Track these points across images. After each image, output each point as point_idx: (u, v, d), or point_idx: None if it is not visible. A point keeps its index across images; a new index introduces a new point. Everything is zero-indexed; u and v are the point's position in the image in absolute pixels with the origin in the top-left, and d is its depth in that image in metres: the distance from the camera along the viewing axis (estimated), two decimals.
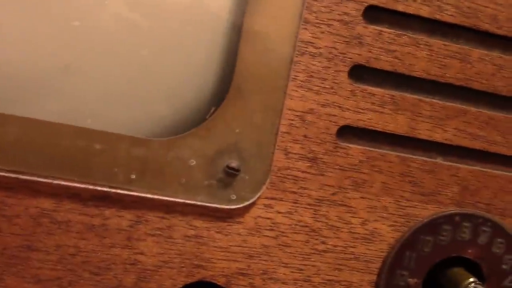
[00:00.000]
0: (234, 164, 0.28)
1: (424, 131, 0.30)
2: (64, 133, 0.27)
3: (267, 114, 0.28)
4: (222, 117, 0.28)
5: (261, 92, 0.28)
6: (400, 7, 0.28)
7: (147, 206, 0.28)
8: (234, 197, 0.28)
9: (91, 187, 0.27)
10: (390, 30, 0.29)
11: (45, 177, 0.27)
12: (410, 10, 0.29)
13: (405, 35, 0.29)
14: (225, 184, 0.28)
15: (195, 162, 0.28)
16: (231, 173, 0.28)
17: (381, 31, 0.29)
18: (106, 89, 0.28)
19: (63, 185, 0.27)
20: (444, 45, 0.29)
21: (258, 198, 0.29)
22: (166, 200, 0.28)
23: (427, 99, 0.30)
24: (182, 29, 0.28)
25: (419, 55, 0.29)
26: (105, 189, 0.28)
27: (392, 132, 0.30)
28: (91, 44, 0.28)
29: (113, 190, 0.28)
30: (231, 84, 0.28)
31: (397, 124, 0.30)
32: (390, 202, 0.30)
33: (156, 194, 0.28)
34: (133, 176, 0.27)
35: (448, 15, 0.29)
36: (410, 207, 0.31)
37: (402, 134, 0.30)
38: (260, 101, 0.28)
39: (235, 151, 0.28)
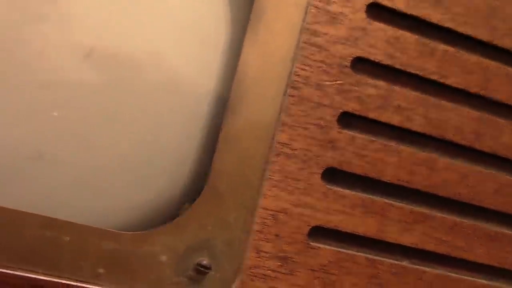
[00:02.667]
0: (205, 261, 0.28)
1: (392, 234, 0.31)
2: (31, 223, 0.26)
3: (240, 213, 0.29)
4: (196, 213, 0.28)
5: (236, 191, 0.29)
6: (373, 115, 0.30)
7: None
8: None
9: (55, 279, 0.27)
10: (362, 135, 0.30)
11: (8, 267, 0.26)
12: (382, 118, 0.31)
13: (377, 141, 0.31)
14: (194, 281, 0.28)
15: (165, 258, 0.28)
16: (202, 270, 0.28)
17: (354, 136, 0.30)
18: (79, 178, 0.28)
19: (26, 276, 0.27)
20: (412, 152, 0.31)
21: None
22: None
23: (396, 203, 0.31)
24: (159, 119, 0.29)
25: (389, 161, 0.31)
26: (70, 282, 0.27)
27: (361, 234, 0.31)
28: (67, 133, 0.28)
29: (79, 284, 0.27)
30: (207, 182, 0.28)
31: (366, 227, 0.31)
32: None
33: None
34: (101, 271, 0.27)
35: (417, 125, 0.31)
36: None
37: (371, 237, 0.31)
38: (234, 200, 0.29)
39: (207, 248, 0.29)
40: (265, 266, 0.30)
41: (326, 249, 0.31)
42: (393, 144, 0.31)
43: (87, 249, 0.27)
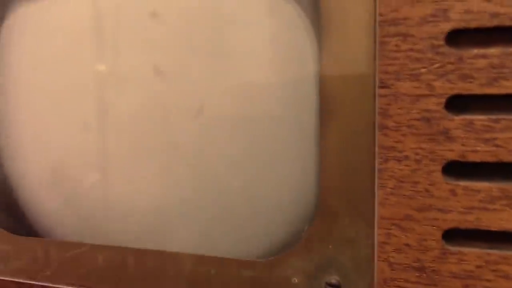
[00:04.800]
0: (333, 280, 0.29)
1: None
2: (187, 261, 0.32)
3: (359, 227, 0.28)
4: (315, 234, 0.29)
5: (349, 205, 0.28)
6: (489, 90, 0.26)
7: None
8: None
9: None
10: (482, 116, 0.26)
11: None
12: (503, 90, 0.26)
13: (504, 118, 0.26)
14: None
15: (297, 279, 0.30)
16: None
17: (472, 119, 0.26)
18: (218, 219, 0.32)
19: None
20: None
21: None
22: None
23: None
24: (276, 153, 0.31)
25: None
26: None
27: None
28: (207, 184, 0.33)
29: None
30: (319, 200, 0.29)
31: None
32: None
33: None
34: None
35: None
36: None
37: None
38: (350, 215, 0.28)
39: (334, 266, 0.29)
40: (401, 278, 0.28)
41: (470, 253, 0.27)
42: None
43: (230, 278, 0.31)
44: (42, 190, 0.37)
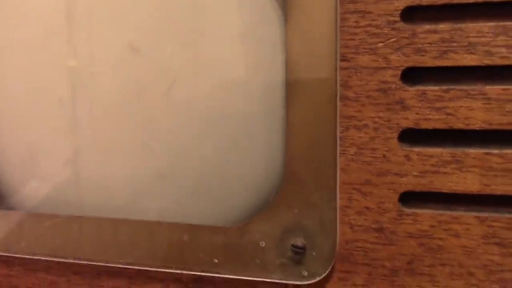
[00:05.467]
0: (299, 242, 0.31)
1: (500, 186, 0.28)
2: (160, 229, 0.34)
3: (323, 192, 0.30)
4: (281, 199, 0.31)
5: (313, 172, 0.30)
6: (440, 63, 0.28)
7: (235, 285, 0.33)
8: (305, 273, 0.31)
9: (186, 272, 0.33)
10: (434, 87, 0.28)
11: (151, 266, 0.34)
12: (452, 62, 0.28)
13: (454, 89, 0.28)
14: (295, 262, 0.31)
15: (264, 243, 0.32)
16: (298, 251, 0.31)
17: (425, 90, 0.29)
18: (191, 189, 0.34)
19: (167, 272, 0.34)
20: (503, 90, 0.27)
21: (333, 272, 0.31)
22: (249, 280, 0.32)
23: (495, 151, 0.28)
24: (244, 126, 0.33)
25: (475, 106, 0.28)
26: (199, 273, 0.33)
27: (462, 193, 0.29)
28: (179, 156, 0.34)
29: (206, 274, 0.33)
30: (285, 168, 0.31)
31: (466, 183, 0.28)
32: (476, 268, 0.29)
33: (239, 275, 0.32)
34: (216, 260, 0.33)
35: (499, 58, 0.27)
36: (504, 271, 0.28)
37: (476, 193, 0.28)
38: (314, 181, 0.30)
39: (300, 230, 0.31)
40: (362, 239, 0.30)
41: (424, 214, 0.29)
42: (474, 87, 0.28)
43: (203, 244, 0.33)
44: (18, 165, 0.38)
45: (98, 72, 0.36)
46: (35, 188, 0.38)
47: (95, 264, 0.35)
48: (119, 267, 0.35)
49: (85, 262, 0.36)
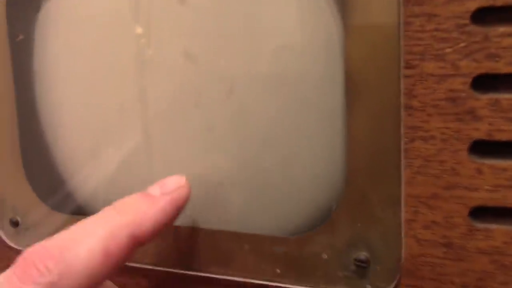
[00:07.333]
0: (362, 256, 0.30)
1: None
2: (222, 237, 0.34)
3: (386, 204, 0.30)
4: (343, 212, 0.31)
5: (376, 184, 0.30)
6: None
7: None
8: (369, 287, 0.31)
9: (251, 281, 0.34)
10: (509, 95, 0.26)
11: (217, 274, 0.35)
12: None
13: None
14: (359, 275, 0.31)
15: (326, 255, 0.31)
16: (361, 265, 0.30)
17: (498, 99, 0.27)
18: (251, 197, 0.34)
19: (230, 279, 0.35)
20: None
21: (398, 286, 0.30)
22: None
23: None
24: (304, 132, 0.32)
25: None
26: (262, 282, 0.34)
27: None
28: (241, 165, 0.34)
29: (269, 283, 0.33)
30: (346, 180, 0.30)
31: None
32: None
33: (302, 285, 0.32)
34: (278, 271, 0.33)
35: None
36: None
37: None
38: (377, 193, 0.30)
39: (363, 243, 0.31)
40: (429, 254, 0.29)
41: (497, 230, 0.28)
42: None
43: (264, 254, 0.33)
44: (83, 169, 0.40)
45: (158, 79, 0.36)
46: (101, 193, 0.40)
47: (158, 269, 0.37)
48: (182, 273, 0.36)
49: (150, 267, 0.37)
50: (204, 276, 0.36)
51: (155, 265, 0.37)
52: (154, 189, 0.31)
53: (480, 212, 0.28)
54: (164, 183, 0.32)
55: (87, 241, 0.27)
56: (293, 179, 0.33)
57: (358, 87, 0.29)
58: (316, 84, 0.32)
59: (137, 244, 0.29)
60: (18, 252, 0.28)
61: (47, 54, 0.40)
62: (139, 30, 0.36)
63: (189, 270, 0.36)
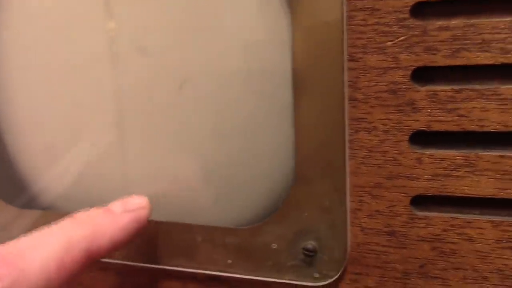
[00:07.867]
0: (309, 246, 0.31)
1: None
2: (175, 230, 0.34)
3: (333, 195, 0.30)
4: (292, 202, 0.31)
5: (323, 175, 0.30)
6: (452, 62, 0.27)
7: (249, 285, 0.34)
8: (317, 275, 0.31)
9: (202, 271, 0.34)
10: (445, 87, 0.27)
11: (168, 265, 0.35)
12: (464, 61, 0.27)
13: (466, 89, 0.27)
14: (307, 264, 0.32)
15: (276, 245, 0.32)
16: (309, 254, 0.31)
17: (436, 90, 0.28)
18: (204, 192, 0.35)
19: (183, 270, 0.35)
20: None
21: (344, 274, 0.31)
22: (263, 280, 0.33)
23: (511, 154, 0.27)
24: (255, 124, 0.33)
25: (489, 107, 0.27)
26: (214, 272, 0.34)
27: (476, 196, 0.28)
28: (192, 157, 0.35)
29: (221, 274, 0.34)
30: (295, 171, 0.31)
31: (480, 187, 0.28)
32: (490, 272, 0.28)
33: (252, 275, 0.33)
34: (230, 261, 0.33)
35: None
36: None
37: (490, 197, 0.28)
38: (324, 184, 0.30)
39: (311, 232, 0.31)
40: (373, 242, 0.30)
41: (437, 217, 0.29)
42: (489, 86, 0.27)
43: (215, 244, 0.34)
44: (38, 166, 0.40)
45: (112, 72, 0.36)
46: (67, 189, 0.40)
47: (113, 262, 0.37)
48: (141, 265, 0.37)
49: (109, 260, 0.37)
50: (156, 268, 0.36)
51: (110, 257, 0.37)
52: (116, 206, 0.31)
53: (421, 201, 0.29)
54: (127, 201, 0.32)
55: (43, 251, 0.27)
56: (246, 172, 0.34)
57: (304, 82, 0.30)
58: (268, 79, 0.32)
59: (92, 259, 0.29)
60: None
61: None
62: (100, 22, 0.36)
63: (142, 262, 0.36)
